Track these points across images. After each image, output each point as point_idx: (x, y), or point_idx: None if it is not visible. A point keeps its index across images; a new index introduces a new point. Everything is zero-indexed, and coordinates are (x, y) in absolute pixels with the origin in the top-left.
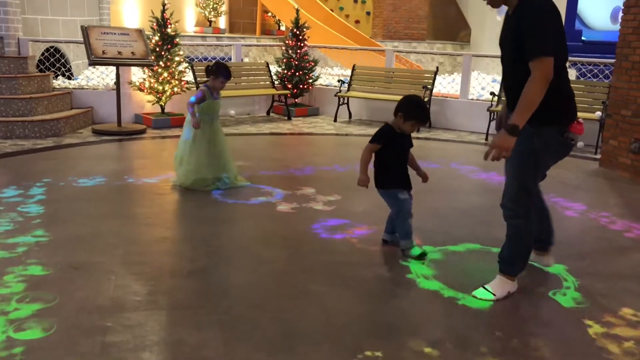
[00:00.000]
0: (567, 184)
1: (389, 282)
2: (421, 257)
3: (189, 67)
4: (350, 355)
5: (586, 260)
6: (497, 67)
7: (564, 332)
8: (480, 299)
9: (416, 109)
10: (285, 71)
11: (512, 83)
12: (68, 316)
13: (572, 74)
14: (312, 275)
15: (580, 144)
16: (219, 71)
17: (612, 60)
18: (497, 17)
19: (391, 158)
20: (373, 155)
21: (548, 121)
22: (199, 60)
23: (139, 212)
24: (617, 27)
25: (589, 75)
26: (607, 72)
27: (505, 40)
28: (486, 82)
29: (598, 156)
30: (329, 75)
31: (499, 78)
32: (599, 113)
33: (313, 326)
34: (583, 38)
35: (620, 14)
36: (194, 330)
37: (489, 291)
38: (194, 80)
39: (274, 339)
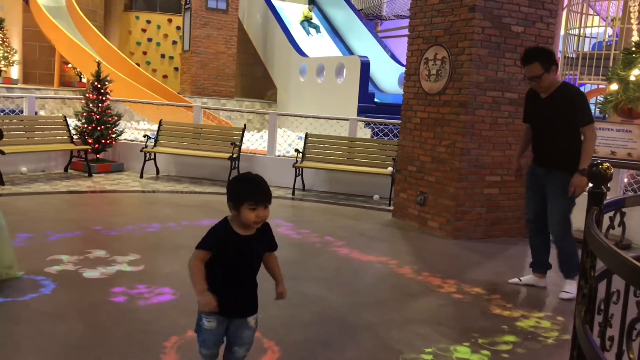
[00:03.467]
0: (364, 234)
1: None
2: None
3: None
4: None
5: (384, 306)
6: (300, 125)
7: None
8: (566, 299)
9: (242, 185)
10: (86, 125)
11: (548, 144)
12: None
13: (367, 133)
14: (111, 348)
15: (376, 196)
16: None
17: (399, 121)
18: (300, 79)
19: (227, 269)
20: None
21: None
22: None
23: None
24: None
25: (381, 134)
26: (395, 131)
27: (549, 114)
28: (292, 139)
29: (391, 208)
30: (134, 130)
31: (303, 135)
32: (390, 168)
33: None
34: (376, 100)
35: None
36: None
37: (570, 292)
38: None
39: None
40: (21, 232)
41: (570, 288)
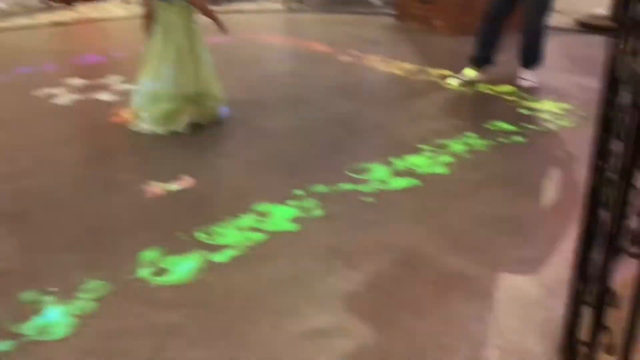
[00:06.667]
0: (367, 39)
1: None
2: None
3: None
4: (167, 237)
5: (392, 106)
6: None
7: None
8: (526, 86)
9: None
10: None
11: None
12: None
13: None
14: (117, 166)
15: (376, 0)
16: None
17: None
18: None
19: None
20: None
21: None
22: None
23: None
24: None
25: None
26: None
27: None
28: None
29: (394, 11)
30: None
31: None
32: None
33: (123, 216)
34: None
35: None
36: None
37: (532, 81)
38: None
39: (78, 237)
40: (22, 66)
41: (531, 76)
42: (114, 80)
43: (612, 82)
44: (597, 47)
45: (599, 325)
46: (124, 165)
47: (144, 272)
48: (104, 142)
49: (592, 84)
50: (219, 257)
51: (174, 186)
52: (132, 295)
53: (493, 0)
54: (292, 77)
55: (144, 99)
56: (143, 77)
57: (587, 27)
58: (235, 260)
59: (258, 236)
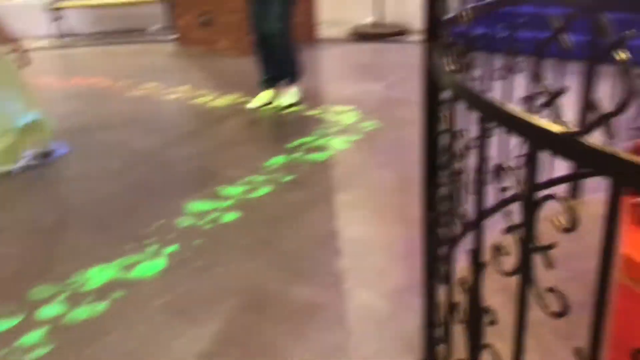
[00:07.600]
0: (152, 69)
1: None
2: None
3: None
4: None
5: (195, 137)
6: None
7: None
8: (288, 107)
9: None
10: None
11: None
12: None
13: None
14: None
15: (153, 27)
16: None
17: None
18: None
19: None
20: None
21: None
22: None
23: None
24: None
25: None
26: None
27: None
28: None
29: (175, 36)
30: None
31: None
32: None
33: None
34: None
35: None
36: None
37: (294, 99)
38: None
39: None
40: None
41: (295, 90)
42: None
43: (435, 98)
44: (370, 53)
45: (476, 345)
46: None
47: None
48: None
49: (377, 89)
50: (30, 354)
51: None
52: None
53: (251, 25)
54: (78, 118)
55: None
56: None
57: (360, 35)
58: (57, 350)
59: (80, 313)
